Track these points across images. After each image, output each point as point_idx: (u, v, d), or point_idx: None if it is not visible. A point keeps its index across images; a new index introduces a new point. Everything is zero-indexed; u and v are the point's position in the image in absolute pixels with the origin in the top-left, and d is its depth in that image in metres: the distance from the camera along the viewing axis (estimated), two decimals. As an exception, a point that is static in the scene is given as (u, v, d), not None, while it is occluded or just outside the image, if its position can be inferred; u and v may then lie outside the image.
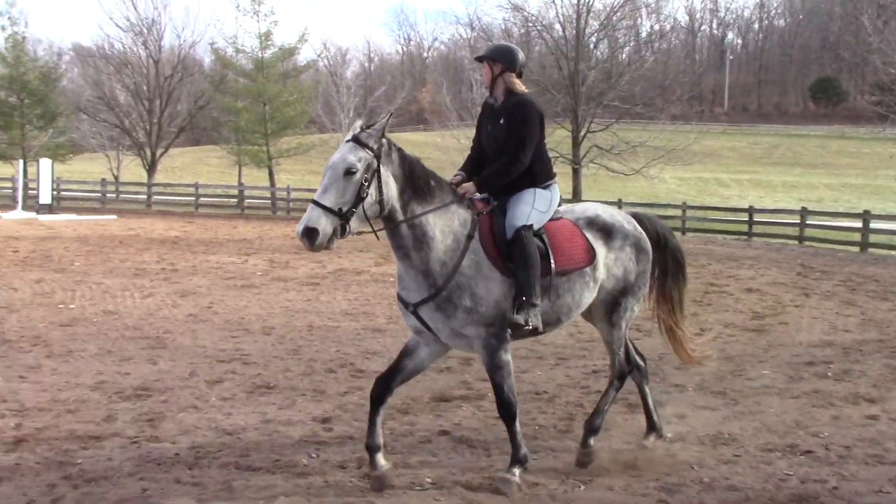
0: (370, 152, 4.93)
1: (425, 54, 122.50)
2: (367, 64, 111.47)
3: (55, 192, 34.10)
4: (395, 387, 5.52)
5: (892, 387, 8.04)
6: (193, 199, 37.15)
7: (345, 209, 4.82)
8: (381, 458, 5.31)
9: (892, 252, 23.15)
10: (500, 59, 5.63)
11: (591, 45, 37.58)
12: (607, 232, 5.82)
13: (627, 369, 6.11)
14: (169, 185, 43.43)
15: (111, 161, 47.34)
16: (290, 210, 36.49)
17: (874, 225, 25.30)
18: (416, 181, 5.17)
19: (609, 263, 5.77)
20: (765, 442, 6.32)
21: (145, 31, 44.35)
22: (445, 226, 5.21)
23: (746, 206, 30.93)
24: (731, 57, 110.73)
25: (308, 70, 48.51)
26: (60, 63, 49.75)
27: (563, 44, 36.06)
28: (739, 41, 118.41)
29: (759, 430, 6.63)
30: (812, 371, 8.69)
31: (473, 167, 5.72)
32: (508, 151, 5.44)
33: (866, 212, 25.79)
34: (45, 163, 32.58)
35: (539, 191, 5.56)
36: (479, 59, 5.77)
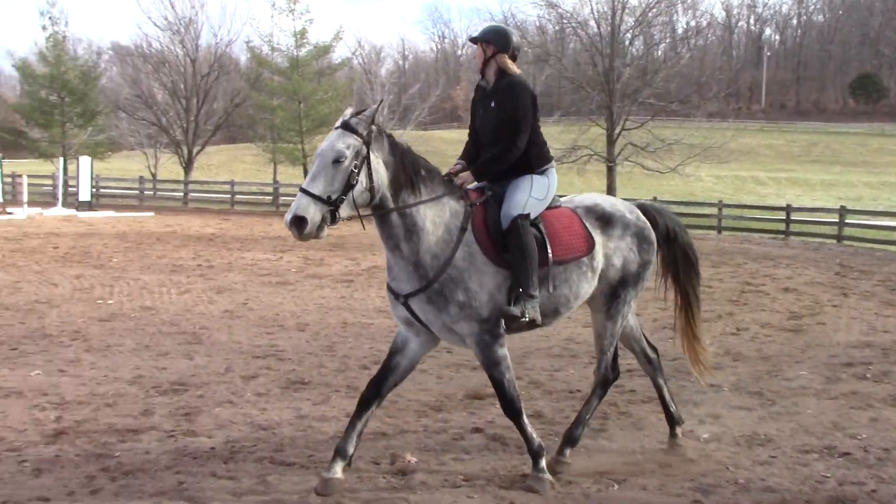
0: (359, 139, 4.80)
1: (459, 52, 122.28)
2: (401, 62, 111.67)
3: (94, 190, 34.57)
4: (387, 391, 5.36)
5: (933, 389, 7.90)
6: (229, 196, 37.44)
7: (334, 197, 4.70)
8: (339, 467, 5.10)
9: (934, 251, 22.72)
10: (493, 40, 5.45)
11: (627, 42, 37.38)
12: (607, 220, 5.65)
13: (612, 376, 5.89)
14: (205, 183, 43.76)
15: (149, 159, 47.87)
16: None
17: (915, 224, 24.86)
18: (408, 169, 5.03)
19: (609, 253, 5.60)
20: (802, 443, 6.24)
21: (183, 30, 44.85)
22: (437, 217, 5.08)
23: (784, 205, 30.47)
24: (768, 53, 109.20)
25: (343, 68, 48.67)
26: (100, 62, 50.59)
27: (597, 40, 35.87)
28: (777, 37, 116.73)
29: (795, 431, 6.54)
30: (850, 372, 8.56)
31: (472, 154, 5.60)
32: (503, 137, 5.29)
33: (907, 210, 25.35)
34: (85, 160, 33.06)
35: (536, 177, 5.41)
36: (473, 41, 5.58)
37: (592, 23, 36.59)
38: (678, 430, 6.13)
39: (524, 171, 5.39)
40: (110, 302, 11.91)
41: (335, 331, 10.33)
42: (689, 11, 72.18)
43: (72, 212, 30.04)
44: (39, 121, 42.38)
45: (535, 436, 5.33)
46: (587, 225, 5.54)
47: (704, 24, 74.90)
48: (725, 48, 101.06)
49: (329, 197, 4.69)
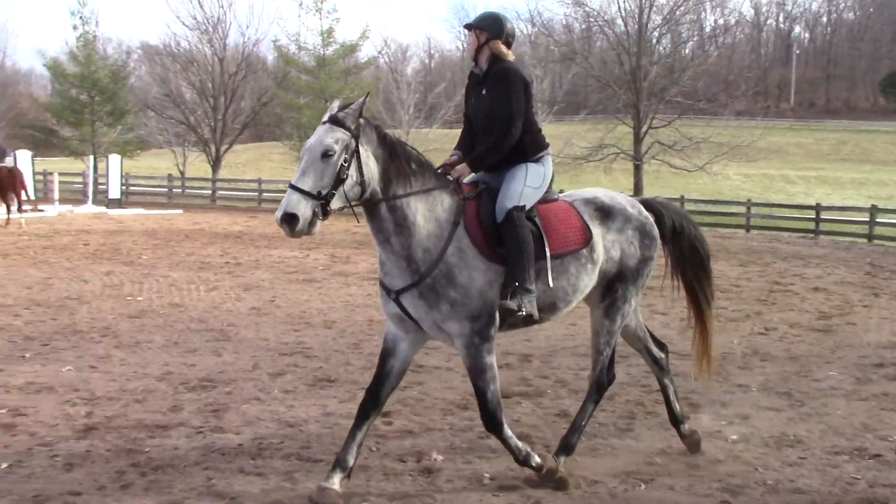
0: (348, 132, 4.67)
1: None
2: (427, 60, 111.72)
3: (124, 187, 34.94)
4: (385, 397, 5.23)
5: (966, 391, 7.79)
6: (256, 194, 37.66)
7: (324, 192, 4.58)
8: (337, 478, 4.94)
9: (967, 252, 22.39)
10: (487, 27, 5.35)
11: (654, 40, 37.19)
12: (606, 212, 5.54)
13: (607, 380, 5.74)
14: (233, 181, 44.04)
15: (177, 157, 48.26)
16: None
17: (948, 223, 24.51)
18: (398, 161, 4.92)
19: (607, 245, 5.47)
20: (831, 445, 6.18)
21: (211, 29, 45.26)
22: (428, 210, 4.95)
23: (813, 204, 30.16)
24: (797, 51, 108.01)
25: (369, 67, 48.78)
26: (129, 61, 50.98)
27: (624, 39, 35.74)
28: (807, 35, 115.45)
29: (825, 432, 6.48)
30: (881, 373, 8.46)
31: (467, 144, 5.52)
32: (497, 126, 5.20)
33: (940, 210, 24.99)
34: (115, 158, 33.46)
35: (531, 165, 5.30)
36: (468, 27, 5.50)
37: (619, 21, 36.50)
38: (683, 429, 5.99)
39: (519, 160, 5.29)
40: (140, 299, 12.04)
41: (361, 328, 10.36)
42: (718, 9, 71.47)
43: (102, 209, 30.38)
44: (70, 119, 42.97)
45: (519, 445, 5.20)
46: (585, 217, 5.43)
47: (733, 21, 74.27)
48: (754, 46, 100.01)
49: (319, 192, 4.58)
